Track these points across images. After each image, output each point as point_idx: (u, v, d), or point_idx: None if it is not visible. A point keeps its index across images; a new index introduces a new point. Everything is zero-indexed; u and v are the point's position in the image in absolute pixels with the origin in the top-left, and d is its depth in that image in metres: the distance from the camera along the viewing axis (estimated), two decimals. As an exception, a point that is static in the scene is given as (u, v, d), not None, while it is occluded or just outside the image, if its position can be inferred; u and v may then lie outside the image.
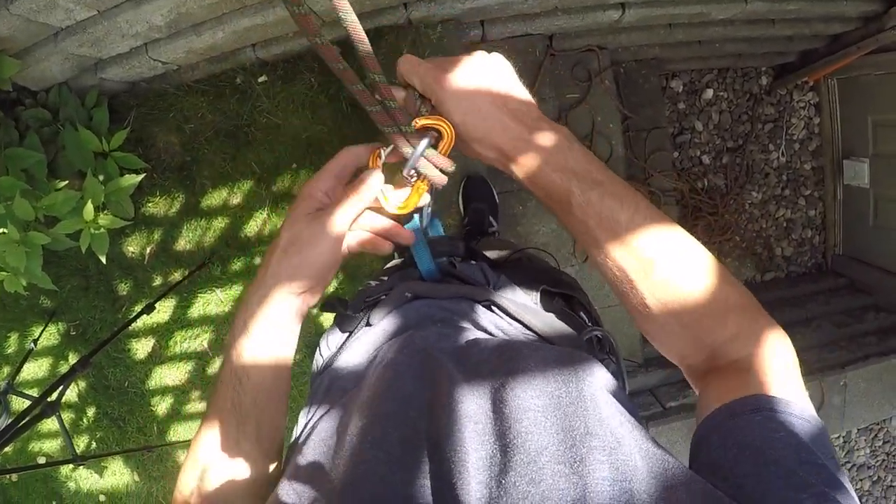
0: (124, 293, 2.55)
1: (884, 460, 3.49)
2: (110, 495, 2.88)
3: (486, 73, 0.64)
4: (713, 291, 0.62)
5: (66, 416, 2.71)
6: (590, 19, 2.31)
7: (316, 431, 0.61)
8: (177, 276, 2.48)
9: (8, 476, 2.81)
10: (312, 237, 0.64)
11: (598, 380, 0.53)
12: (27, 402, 1.74)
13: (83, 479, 2.87)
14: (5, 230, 1.74)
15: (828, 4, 2.45)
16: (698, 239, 0.64)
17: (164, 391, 2.70)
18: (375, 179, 0.66)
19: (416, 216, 0.77)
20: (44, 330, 2.54)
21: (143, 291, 2.53)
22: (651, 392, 2.82)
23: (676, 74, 3.12)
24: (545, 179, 0.63)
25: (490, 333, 0.75)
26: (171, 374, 2.67)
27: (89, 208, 1.85)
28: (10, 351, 2.66)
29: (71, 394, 2.71)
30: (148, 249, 2.49)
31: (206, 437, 0.67)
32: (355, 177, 0.69)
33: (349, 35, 0.57)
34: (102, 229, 1.96)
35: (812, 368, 2.80)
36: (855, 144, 3.15)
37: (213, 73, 2.30)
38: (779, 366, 0.59)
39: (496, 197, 2.40)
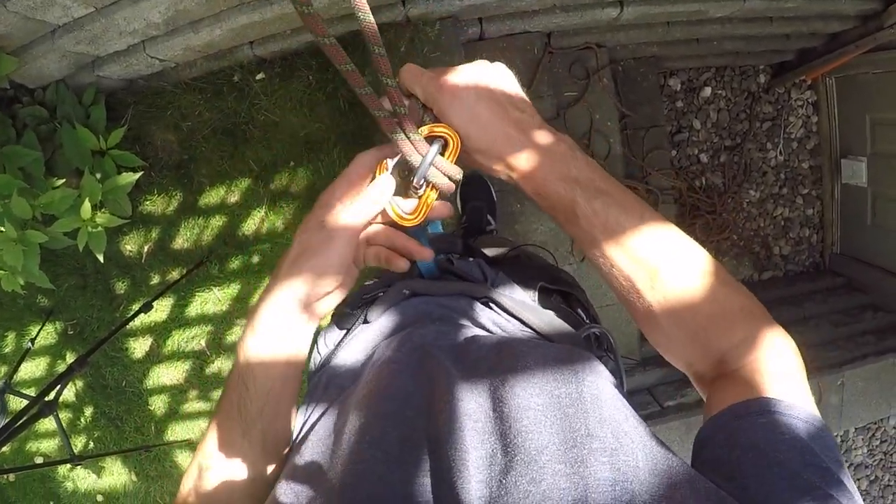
0: (122, 292, 2.54)
1: (881, 459, 3.50)
2: (108, 495, 2.87)
3: (488, 83, 0.64)
4: (720, 299, 0.62)
5: (64, 415, 2.71)
6: (588, 17, 2.31)
7: (314, 430, 0.61)
8: (174, 274, 2.48)
9: (5, 476, 2.81)
10: (321, 244, 0.63)
11: (599, 377, 0.53)
12: (25, 402, 1.73)
13: (81, 478, 2.87)
14: (3, 228, 1.74)
15: (826, 3, 2.46)
16: (696, 238, 0.64)
17: (161, 390, 2.69)
18: (383, 182, 0.65)
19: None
20: (41, 329, 2.53)
21: (140, 290, 2.53)
22: (649, 391, 2.82)
23: (675, 73, 3.12)
24: (549, 189, 0.63)
25: (488, 331, 0.75)
26: (168, 374, 2.66)
27: (87, 206, 1.84)
28: (7, 350, 2.65)
29: (68, 393, 2.70)
30: (145, 248, 2.48)
31: (209, 444, 0.67)
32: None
33: (364, 35, 0.57)
34: (100, 228, 1.95)
35: (810, 368, 2.72)
36: (853, 143, 3.15)
37: (211, 70, 2.30)
38: (785, 370, 0.59)
39: (494, 195, 2.40)
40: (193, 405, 2.71)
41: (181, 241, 2.47)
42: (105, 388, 2.69)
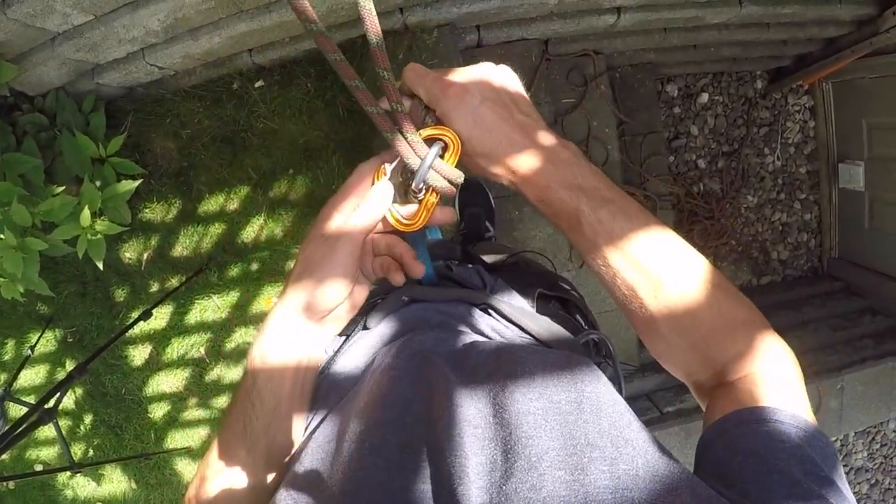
0: (121, 299, 2.54)
1: (881, 463, 3.49)
2: (108, 503, 2.87)
3: (493, 85, 0.63)
4: (722, 310, 0.62)
5: (64, 423, 2.70)
6: (585, 24, 2.32)
7: (314, 438, 0.61)
8: (174, 282, 2.48)
9: (5, 483, 2.80)
10: (323, 258, 0.62)
11: (598, 383, 0.53)
12: (24, 409, 1.73)
13: (80, 486, 2.86)
14: (2, 236, 1.74)
15: (822, 8, 2.46)
16: (694, 244, 0.64)
17: (161, 398, 2.69)
18: (381, 189, 0.63)
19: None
20: (41, 336, 2.53)
21: (140, 298, 2.53)
22: (648, 397, 2.82)
23: (672, 79, 3.13)
24: (553, 197, 0.62)
25: (487, 337, 0.75)
26: (168, 381, 2.66)
27: (86, 214, 1.85)
28: (7, 357, 2.65)
29: (68, 401, 2.70)
30: (145, 255, 2.48)
31: (212, 455, 0.67)
32: None
33: (364, 24, 0.56)
34: (99, 235, 1.95)
35: (809, 372, 2.78)
36: (850, 148, 3.16)
37: (210, 78, 2.31)
38: (785, 379, 0.59)
39: (492, 202, 2.41)
40: (193, 413, 2.71)
41: (180, 249, 2.47)
42: (105, 396, 2.68)
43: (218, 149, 2.36)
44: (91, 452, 2.78)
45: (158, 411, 2.71)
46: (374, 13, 0.56)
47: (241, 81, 2.30)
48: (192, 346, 2.60)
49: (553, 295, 0.93)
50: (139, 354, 2.63)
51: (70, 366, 2.60)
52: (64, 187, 1.92)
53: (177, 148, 2.37)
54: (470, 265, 0.94)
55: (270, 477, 0.67)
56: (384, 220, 0.65)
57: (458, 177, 0.64)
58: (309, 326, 0.64)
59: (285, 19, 1.94)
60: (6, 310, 2.58)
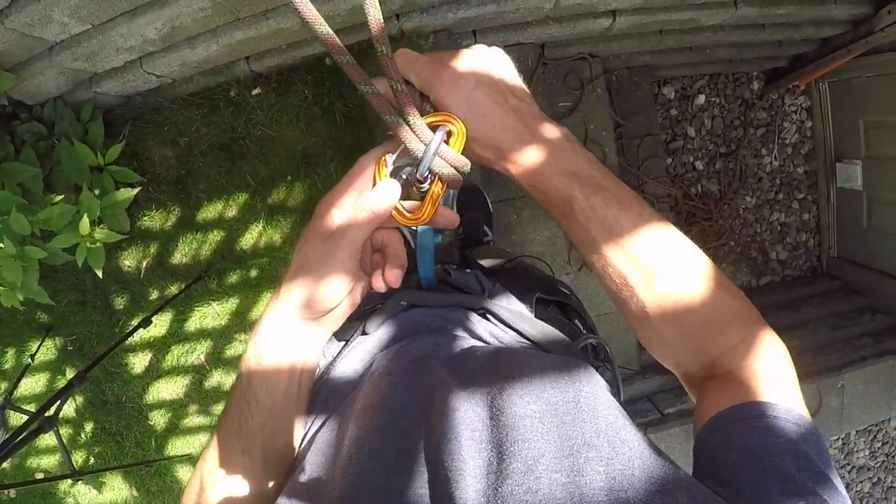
0: (121, 307, 2.55)
1: (883, 461, 3.49)
2: (109, 511, 2.87)
3: (486, 69, 0.62)
4: (715, 301, 0.61)
5: (64, 431, 2.70)
6: (581, 27, 2.32)
7: (313, 444, 0.60)
8: (173, 289, 2.48)
9: (6, 492, 2.79)
10: (323, 259, 0.60)
11: (595, 386, 0.53)
12: (25, 417, 1.73)
13: (81, 494, 2.86)
14: (2, 245, 1.75)
15: (817, 8, 2.47)
16: (693, 245, 0.64)
17: (161, 405, 2.69)
18: (386, 191, 0.61)
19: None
20: (41, 345, 2.53)
21: (139, 305, 2.53)
22: (649, 398, 2.82)
23: (668, 81, 3.14)
24: (546, 183, 0.61)
25: (485, 342, 0.75)
26: (168, 389, 2.66)
27: (85, 222, 1.85)
28: (7, 366, 2.65)
29: (68, 409, 2.70)
30: (144, 263, 2.49)
31: (210, 459, 0.65)
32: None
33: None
34: (98, 243, 1.96)
35: (809, 371, 2.80)
36: (847, 147, 3.16)
37: (208, 86, 2.31)
38: (778, 374, 0.59)
39: (490, 206, 2.41)
40: (193, 420, 2.71)
41: (179, 256, 2.48)
42: (105, 404, 2.68)
43: (216, 156, 2.37)
44: (92, 460, 2.78)
45: (159, 418, 2.71)
46: None
47: (238, 89, 2.31)
48: (191, 353, 2.60)
49: (552, 299, 0.93)
50: (139, 362, 2.63)
51: (70, 374, 2.60)
52: (63, 196, 1.93)
53: (175, 156, 2.38)
54: (468, 270, 0.94)
55: (271, 483, 0.66)
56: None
57: (465, 165, 0.62)
58: (306, 328, 0.63)
59: (282, 26, 1.95)
60: (6, 318, 2.59)
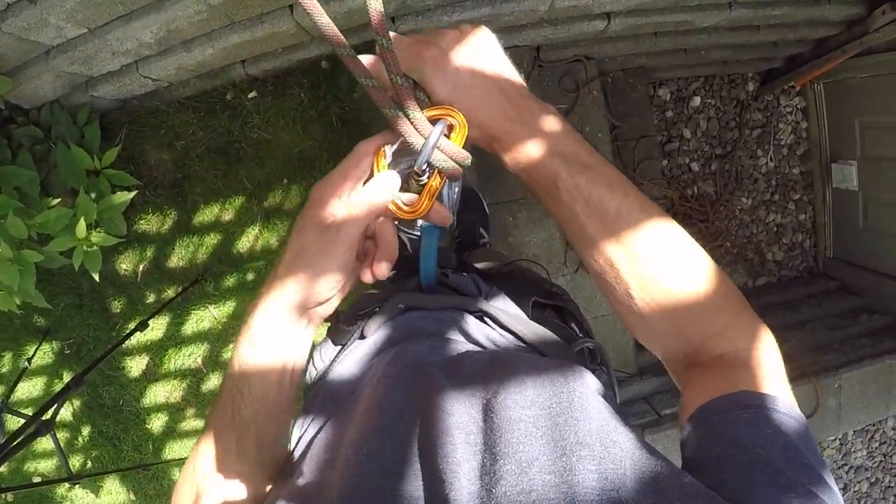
0: (118, 311, 2.55)
1: (881, 461, 3.49)
2: (106, 514, 2.86)
3: (472, 47, 0.61)
4: (701, 285, 0.60)
5: (62, 434, 2.70)
6: (576, 30, 2.33)
7: (311, 445, 0.61)
8: (170, 293, 2.49)
9: (4, 495, 2.79)
10: (320, 250, 0.59)
11: (588, 389, 0.53)
12: (22, 421, 1.73)
13: (79, 498, 2.85)
14: (-1, 249, 1.75)
15: (811, 9, 2.47)
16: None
17: (158, 409, 2.69)
18: (386, 182, 0.61)
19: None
20: (38, 348, 2.53)
21: (136, 309, 2.53)
22: (646, 400, 2.82)
23: (664, 83, 3.14)
24: (531, 162, 0.60)
25: (481, 345, 0.75)
26: (165, 392, 2.66)
27: (82, 226, 1.85)
28: (4, 370, 2.65)
29: (66, 413, 2.70)
30: (141, 267, 2.49)
31: (204, 452, 0.65)
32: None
33: None
34: (95, 247, 1.96)
35: (806, 372, 2.81)
36: (843, 147, 3.17)
37: (204, 89, 2.32)
38: (764, 362, 0.58)
39: (486, 208, 2.41)
40: (191, 423, 2.70)
41: (176, 260, 2.48)
42: (102, 407, 2.68)
43: (212, 160, 2.37)
44: (89, 464, 2.77)
45: (156, 422, 2.71)
46: None
47: (234, 92, 2.32)
48: (189, 356, 2.60)
49: (548, 303, 0.93)
50: (136, 365, 2.63)
51: (67, 377, 2.59)
52: (59, 199, 1.93)
53: (171, 159, 2.38)
54: (465, 274, 0.94)
55: (268, 488, 0.66)
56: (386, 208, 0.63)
57: (465, 158, 0.61)
58: (300, 317, 0.62)
59: (277, 30, 1.95)
60: (3, 322, 2.58)
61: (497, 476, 0.45)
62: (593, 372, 0.65)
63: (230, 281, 2.49)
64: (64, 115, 2.10)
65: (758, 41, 2.74)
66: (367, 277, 0.65)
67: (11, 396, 2.32)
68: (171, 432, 2.72)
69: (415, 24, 2.10)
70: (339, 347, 0.85)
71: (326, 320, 0.88)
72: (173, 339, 2.58)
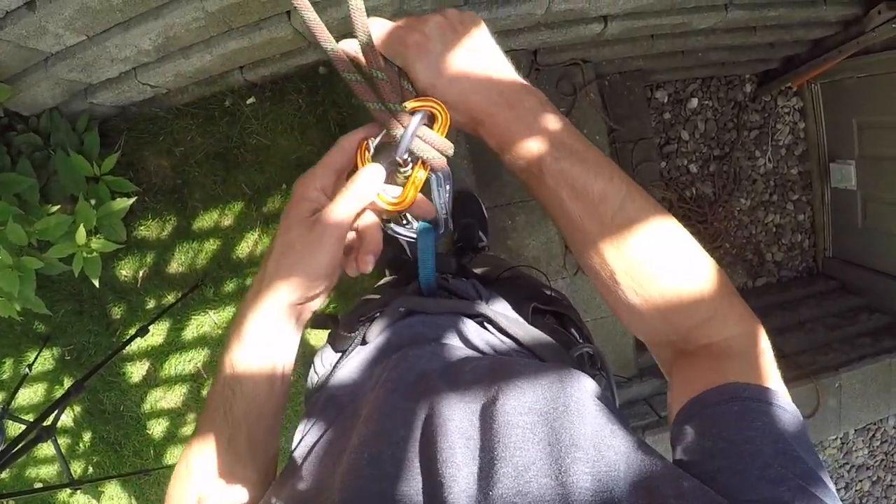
0: (118, 317, 2.55)
1: (882, 460, 3.49)
2: (108, 520, 2.86)
3: (456, 31, 0.60)
4: (687, 270, 0.60)
5: (62, 440, 2.70)
6: (573, 33, 2.33)
7: (312, 450, 0.61)
8: (170, 298, 2.49)
9: (5, 501, 2.79)
10: (308, 247, 0.59)
11: (585, 394, 0.53)
12: (23, 427, 1.74)
13: (80, 504, 2.86)
14: (-1, 256, 1.75)
15: (807, 10, 2.48)
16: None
17: (159, 414, 2.69)
18: (371, 175, 0.60)
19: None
20: (38, 355, 2.53)
21: (136, 315, 2.53)
22: (646, 401, 2.82)
23: (661, 85, 3.15)
24: (515, 146, 0.60)
25: (481, 351, 0.75)
26: (166, 397, 2.66)
27: (81, 232, 1.86)
28: (5, 376, 2.65)
29: (66, 419, 2.70)
30: (141, 273, 2.49)
31: (198, 454, 0.65)
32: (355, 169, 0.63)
33: None
34: (95, 253, 1.96)
35: (807, 371, 2.81)
36: (841, 147, 3.18)
37: (203, 95, 2.32)
38: (754, 352, 0.58)
39: (485, 212, 2.41)
40: (192, 428, 2.70)
41: (176, 266, 2.48)
42: (103, 413, 2.68)
43: (211, 165, 2.38)
44: (90, 469, 2.77)
45: (157, 427, 2.71)
46: None
47: (233, 98, 2.32)
48: (189, 361, 2.60)
49: (548, 309, 0.93)
50: (137, 371, 2.63)
51: (68, 384, 2.59)
52: (59, 206, 1.93)
53: (170, 165, 2.39)
54: (465, 279, 0.94)
55: (265, 490, 0.67)
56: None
57: (448, 147, 0.61)
58: (290, 318, 0.62)
59: (275, 36, 1.96)
60: (3, 329, 2.59)
61: (494, 479, 0.46)
62: (593, 377, 0.64)
63: (230, 286, 2.49)
64: (63, 122, 2.11)
65: (754, 42, 2.75)
66: (352, 271, 0.65)
67: (12, 403, 2.32)
68: (172, 437, 2.72)
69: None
70: (339, 353, 0.85)
71: (324, 328, 0.88)
72: (174, 344, 2.58)
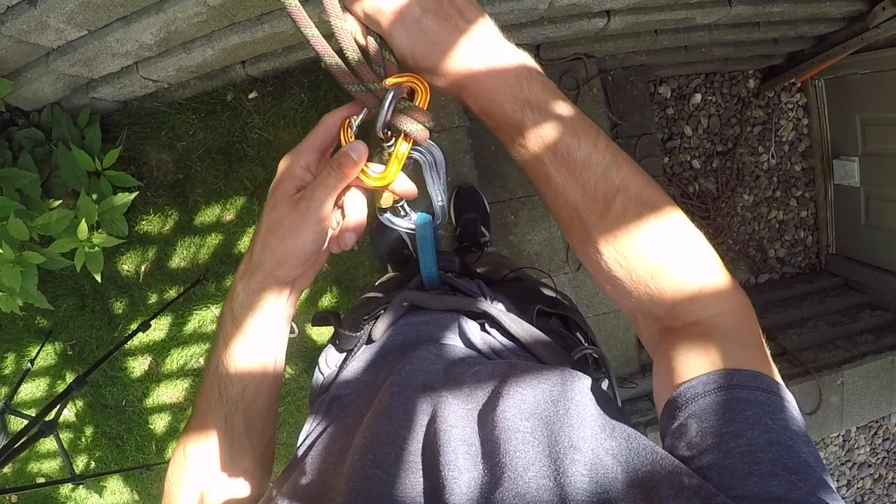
0: (120, 311, 2.55)
1: (884, 457, 3.49)
2: (110, 515, 2.87)
3: None
4: (673, 243, 0.59)
5: (65, 435, 2.71)
6: (576, 28, 2.33)
7: (317, 450, 0.61)
8: (172, 293, 2.49)
9: (8, 496, 2.80)
10: (294, 224, 0.60)
11: (586, 396, 0.53)
12: (25, 422, 1.74)
13: (83, 498, 2.86)
14: (1, 250, 1.75)
15: (812, 6, 2.47)
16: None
17: (161, 409, 2.69)
18: (356, 152, 0.61)
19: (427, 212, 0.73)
20: (40, 350, 2.53)
21: (138, 309, 2.54)
22: (648, 398, 2.82)
23: (664, 80, 3.15)
24: (496, 109, 0.59)
25: (482, 352, 0.75)
26: (168, 392, 2.67)
27: (83, 227, 1.86)
28: (7, 371, 2.65)
29: (69, 413, 2.70)
30: (143, 267, 2.49)
31: (195, 440, 0.66)
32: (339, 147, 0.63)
33: None
34: (97, 248, 1.96)
35: (809, 368, 2.80)
36: (844, 144, 3.17)
37: (204, 90, 2.32)
38: (742, 331, 0.57)
39: (487, 207, 2.41)
40: (194, 423, 2.71)
41: (178, 260, 2.48)
42: (105, 408, 2.69)
43: (213, 160, 2.37)
44: (93, 464, 2.78)
45: (159, 422, 2.71)
46: None
47: (234, 93, 2.32)
48: (191, 356, 2.60)
49: (554, 312, 0.93)
50: (139, 366, 2.63)
51: (70, 378, 2.60)
52: (61, 201, 1.94)
53: (172, 160, 2.39)
54: (470, 279, 0.94)
55: (267, 481, 0.68)
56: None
57: (428, 118, 0.61)
58: (280, 295, 0.64)
59: (277, 30, 1.96)
60: (5, 324, 2.59)
61: (494, 483, 0.46)
62: (597, 381, 0.63)
63: (231, 281, 2.49)
64: (65, 116, 2.11)
65: (758, 38, 2.74)
66: (334, 247, 0.66)
67: (14, 398, 2.33)
68: (174, 432, 2.73)
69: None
70: (344, 353, 0.86)
71: (326, 325, 0.89)
72: (175, 339, 2.58)
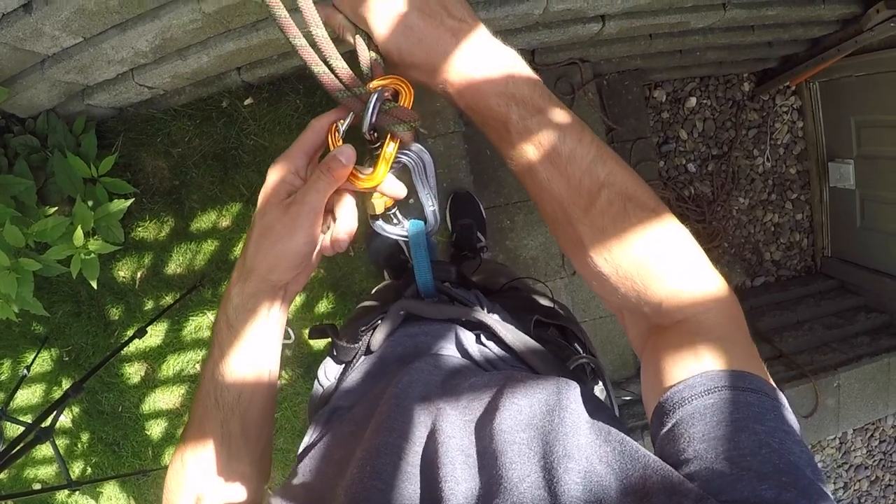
0: (116, 318, 2.55)
1: (881, 459, 3.50)
2: (107, 521, 2.86)
3: None
4: (658, 238, 0.58)
5: (61, 441, 2.70)
6: (571, 33, 2.33)
7: (315, 458, 0.61)
8: (168, 299, 2.49)
9: (3, 502, 2.79)
10: (285, 228, 0.61)
11: (581, 405, 0.53)
12: (21, 429, 1.73)
13: (79, 505, 2.86)
14: (-4, 258, 1.75)
15: (806, 9, 2.48)
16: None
17: (158, 415, 2.69)
18: (344, 156, 0.61)
19: (420, 220, 0.73)
20: (36, 356, 2.53)
21: (134, 316, 2.53)
22: (645, 401, 2.82)
23: (659, 84, 3.15)
24: (482, 104, 0.59)
25: (478, 363, 0.76)
26: (164, 398, 2.66)
27: (79, 234, 1.85)
28: (3, 377, 2.65)
29: (65, 420, 2.70)
30: (139, 274, 2.49)
31: (192, 446, 0.66)
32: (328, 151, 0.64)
33: None
34: (93, 255, 1.96)
35: (805, 371, 2.81)
36: (839, 146, 3.18)
37: (200, 97, 2.32)
38: (729, 330, 0.57)
39: (483, 212, 2.41)
40: (190, 429, 2.70)
41: (174, 267, 2.48)
42: (102, 414, 2.68)
43: (209, 166, 2.37)
44: (89, 470, 2.77)
45: (156, 428, 2.71)
46: None
47: (230, 99, 2.32)
48: (187, 362, 2.60)
49: (551, 322, 0.93)
50: (135, 372, 2.63)
51: (66, 385, 2.59)
52: (56, 208, 1.93)
53: (168, 167, 2.39)
54: (467, 289, 0.94)
55: (263, 485, 0.68)
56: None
57: (413, 118, 0.61)
58: (274, 300, 0.65)
59: (272, 37, 1.96)
60: (1, 330, 2.58)
61: (491, 495, 0.46)
62: (593, 389, 0.64)
63: (226, 287, 2.49)
64: (60, 123, 2.11)
65: (753, 41, 2.75)
66: (328, 250, 0.66)
67: (11, 404, 2.32)
68: (170, 438, 2.72)
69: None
70: (343, 365, 0.86)
71: (323, 337, 0.89)
72: (172, 345, 2.58)
